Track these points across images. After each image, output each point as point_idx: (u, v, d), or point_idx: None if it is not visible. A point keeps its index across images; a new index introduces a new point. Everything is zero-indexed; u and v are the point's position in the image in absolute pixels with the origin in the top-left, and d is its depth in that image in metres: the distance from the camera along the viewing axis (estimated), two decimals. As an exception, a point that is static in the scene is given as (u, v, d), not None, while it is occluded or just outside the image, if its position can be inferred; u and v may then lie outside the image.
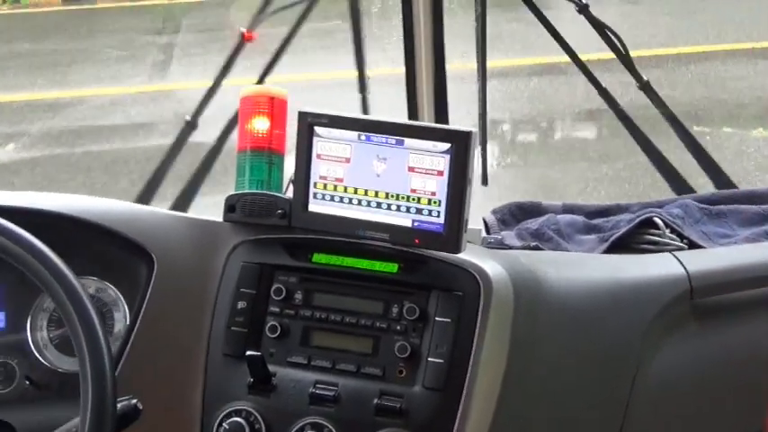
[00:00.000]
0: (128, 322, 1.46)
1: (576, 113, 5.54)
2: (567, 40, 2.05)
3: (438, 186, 1.32)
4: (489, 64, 2.10)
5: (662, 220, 1.63)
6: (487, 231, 1.73)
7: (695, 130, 4.96)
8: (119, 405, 1.17)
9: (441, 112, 1.82)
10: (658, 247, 1.59)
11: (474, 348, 1.32)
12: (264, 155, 1.48)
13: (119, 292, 1.50)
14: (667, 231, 1.62)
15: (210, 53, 7.05)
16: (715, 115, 5.42)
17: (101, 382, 1.11)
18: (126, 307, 1.49)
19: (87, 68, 7.08)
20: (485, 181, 2.28)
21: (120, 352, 1.39)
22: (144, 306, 1.41)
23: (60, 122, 5.93)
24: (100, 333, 1.14)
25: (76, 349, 1.14)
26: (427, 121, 1.84)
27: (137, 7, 9.33)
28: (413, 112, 1.83)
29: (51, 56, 7.56)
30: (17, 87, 6.77)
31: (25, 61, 7.55)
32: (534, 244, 1.62)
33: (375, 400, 1.32)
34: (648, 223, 1.63)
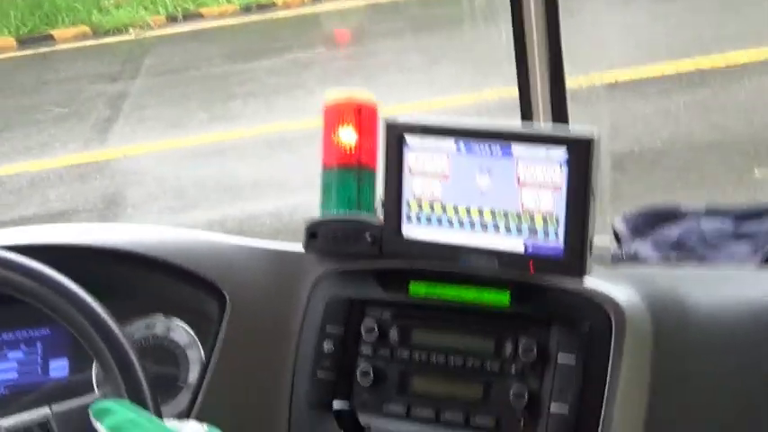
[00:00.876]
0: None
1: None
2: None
3: (555, 202, 1.10)
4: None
5: (829, 222, 1.36)
6: (617, 241, 1.50)
7: (756, 176, 4.05)
8: None
9: (559, 112, 1.57)
10: (826, 256, 1.33)
11: (606, 394, 1.10)
12: (353, 171, 1.29)
13: (193, 333, 1.32)
14: (836, 236, 1.36)
15: (164, 104, 6.23)
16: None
17: None
18: (201, 349, 1.31)
19: (17, 134, 6.04)
20: None
21: (192, 403, 1.22)
22: (216, 351, 1.23)
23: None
24: (146, 390, 0.97)
25: None
26: (543, 122, 1.59)
27: (99, 47, 8.10)
28: (526, 111, 1.59)
29: (-20, 122, 6.54)
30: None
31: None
32: (675, 257, 1.38)
33: None
34: (813, 228, 1.37)
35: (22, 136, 6.02)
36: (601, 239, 1.40)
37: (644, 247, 1.44)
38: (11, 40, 8.56)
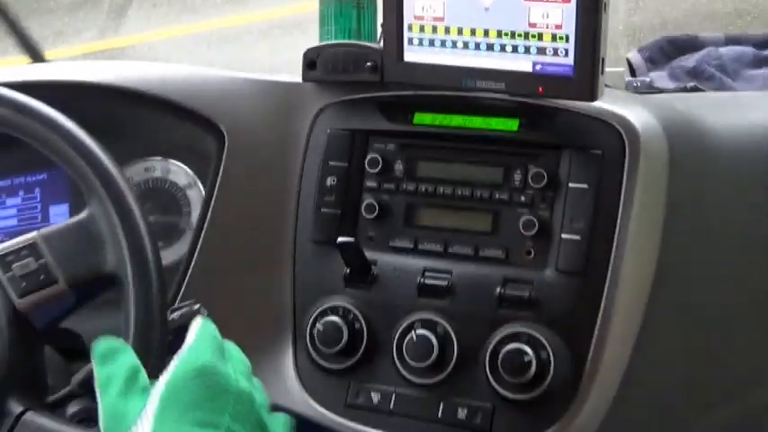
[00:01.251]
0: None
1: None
2: None
3: (564, 17, 1.04)
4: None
5: None
6: (632, 74, 1.44)
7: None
8: (177, 314, 0.97)
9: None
10: None
11: (619, 220, 1.05)
12: (352, -3, 1.23)
13: (192, 173, 1.28)
14: None
15: None
16: None
17: (146, 294, 0.91)
18: (202, 189, 1.28)
19: (32, 24, 5.66)
20: None
21: (195, 243, 1.19)
22: (216, 190, 1.19)
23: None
24: (143, 228, 0.93)
25: (111, 247, 0.94)
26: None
27: None
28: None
29: (0, 12, 6.60)
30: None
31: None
32: (692, 85, 1.33)
33: (498, 289, 1.08)
34: (839, 49, 1.30)
35: (37, 25, 5.88)
36: (615, 71, 1.35)
37: (660, 77, 1.38)
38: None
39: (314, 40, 1.28)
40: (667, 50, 1.46)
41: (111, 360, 0.80)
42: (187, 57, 5.12)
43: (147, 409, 0.72)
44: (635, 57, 1.45)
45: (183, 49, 5.25)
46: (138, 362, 0.80)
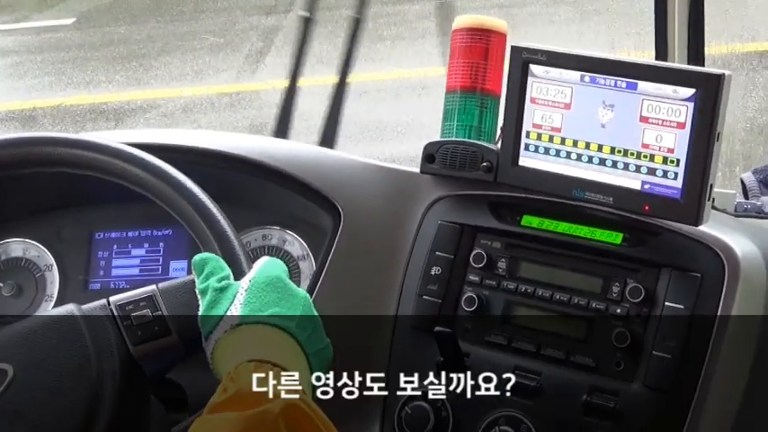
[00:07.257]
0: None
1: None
2: None
3: (677, 142, 1.07)
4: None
5: None
6: (745, 195, 1.45)
7: None
8: None
9: (695, 52, 1.52)
10: None
11: (712, 343, 1.07)
12: (476, 96, 1.28)
13: (306, 246, 1.35)
14: None
15: (314, 40, 6.15)
16: None
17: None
18: (314, 263, 1.34)
19: (175, 60, 6.17)
20: None
21: None
22: (326, 265, 1.25)
23: (116, 136, 5.05)
24: None
25: None
26: (678, 63, 1.55)
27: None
28: (660, 50, 1.54)
29: (143, 43, 6.63)
30: (91, 85, 5.90)
31: (113, 51, 6.53)
32: (802, 214, 1.32)
33: (584, 396, 1.10)
34: None
35: (179, 62, 6.18)
36: (727, 192, 1.36)
37: (772, 202, 1.38)
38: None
39: (434, 103, 1.33)
40: (783, 175, 1.46)
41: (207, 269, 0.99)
42: (317, 106, 5.24)
43: (235, 302, 0.94)
44: (749, 178, 1.45)
45: (314, 98, 5.38)
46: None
